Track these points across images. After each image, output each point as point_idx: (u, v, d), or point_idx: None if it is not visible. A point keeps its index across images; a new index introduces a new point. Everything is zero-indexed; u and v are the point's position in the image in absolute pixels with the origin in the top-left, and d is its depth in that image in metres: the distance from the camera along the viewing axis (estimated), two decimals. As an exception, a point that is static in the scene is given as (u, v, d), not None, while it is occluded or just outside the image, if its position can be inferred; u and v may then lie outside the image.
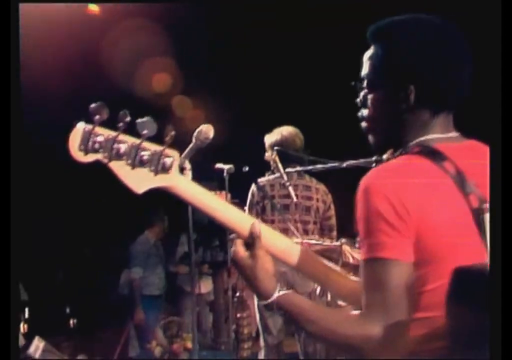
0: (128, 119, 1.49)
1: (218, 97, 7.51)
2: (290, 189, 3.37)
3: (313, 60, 7.37)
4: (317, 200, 4.54)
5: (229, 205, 1.66)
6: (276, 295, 1.61)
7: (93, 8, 6.85)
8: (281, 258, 1.70)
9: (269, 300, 1.61)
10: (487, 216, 1.46)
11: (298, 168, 3.67)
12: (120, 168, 1.54)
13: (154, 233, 7.03)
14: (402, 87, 1.63)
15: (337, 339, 1.55)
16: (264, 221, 4.47)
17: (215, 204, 1.65)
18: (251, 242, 1.65)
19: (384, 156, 1.68)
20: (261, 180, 4.45)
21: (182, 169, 2.49)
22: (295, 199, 3.38)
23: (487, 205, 1.47)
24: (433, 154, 1.59)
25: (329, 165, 3.22)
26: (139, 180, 1.55)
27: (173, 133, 1.53)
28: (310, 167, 3.52)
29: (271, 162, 4.10)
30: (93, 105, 1.48)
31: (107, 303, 7.90)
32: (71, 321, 7.63)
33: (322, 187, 4.58)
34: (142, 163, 1.54)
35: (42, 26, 5.92)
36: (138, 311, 6.67)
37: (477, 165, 1.59)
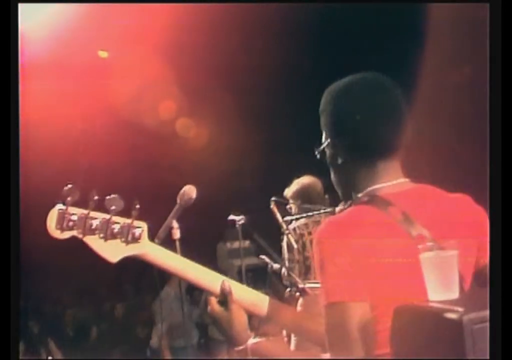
0: (96, 197, 1.68)
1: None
2: (290, 236, 3.51)
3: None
4: None
5: (198, 266, 1.83)
6: (250, 342, 1.78)
7: (103, 55, 7.28)
8: (251, 311, 1.86)
9: (243, 347, 1.78)
10: (426, 255, 1.55)
11: (293, 217, 3.81)
12: (94, 241, 1.73)
13: (174, 287, 7.12)
14: (336, 142, 1.79)
15: None
16: (306, 258, 4.61)
17: (186, 266, 1.82)
18: (223, 298, 1.81)
19: (337, 208, 1.83)
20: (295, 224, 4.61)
21: (171, 229, 2.66)
22: (295, 246, 3.52)
23: (430, 244, 1.58)
24: (379, 202, 1.73)
25: (323, 211, 3.38)
26: (112, 251, 1.74)
27: (138, 206, 1.71)
28: (304, 214, 3.67)
29: (293, 210, 4.22)
30: (65, 189, 1.67)
31: (143, 358, 8.01)
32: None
33: None
34: (113, 235, 1.72)
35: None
36: None
37: (425, 208, 1.73)
